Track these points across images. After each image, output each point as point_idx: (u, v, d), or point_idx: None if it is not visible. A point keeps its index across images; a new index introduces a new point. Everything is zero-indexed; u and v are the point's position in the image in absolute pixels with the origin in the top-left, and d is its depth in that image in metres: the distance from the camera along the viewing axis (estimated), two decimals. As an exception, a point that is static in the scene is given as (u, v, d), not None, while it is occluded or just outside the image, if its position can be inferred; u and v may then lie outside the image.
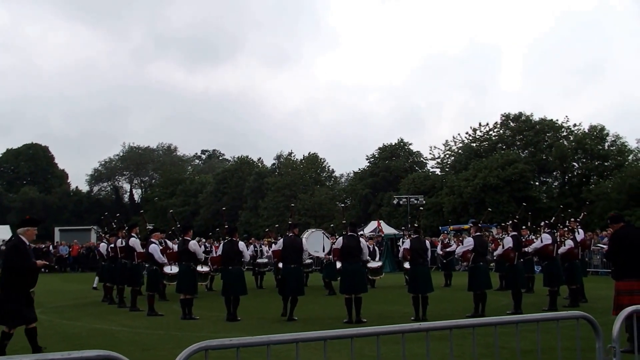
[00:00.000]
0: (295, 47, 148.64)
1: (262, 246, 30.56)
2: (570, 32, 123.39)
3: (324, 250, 24.91)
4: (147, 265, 20.45)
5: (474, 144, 66.66)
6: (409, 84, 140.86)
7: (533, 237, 23.18)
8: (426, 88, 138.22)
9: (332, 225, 36.74)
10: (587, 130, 59.15)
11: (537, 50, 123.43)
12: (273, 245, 23.92)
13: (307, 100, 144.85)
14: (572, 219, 22.29)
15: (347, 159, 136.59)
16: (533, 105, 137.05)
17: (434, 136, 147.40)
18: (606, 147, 57.66)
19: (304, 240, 18.91)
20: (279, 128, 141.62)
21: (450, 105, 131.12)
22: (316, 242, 25.20)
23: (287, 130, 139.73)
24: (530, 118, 64.16)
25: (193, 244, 18.51)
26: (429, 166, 73.50)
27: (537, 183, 62.10)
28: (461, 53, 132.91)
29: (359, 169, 77.29)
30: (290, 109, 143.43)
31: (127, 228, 22.15)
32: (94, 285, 27.31)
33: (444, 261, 30.35)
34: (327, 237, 26.02)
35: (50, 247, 52.66)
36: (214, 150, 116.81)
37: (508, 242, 18.27)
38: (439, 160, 71.27)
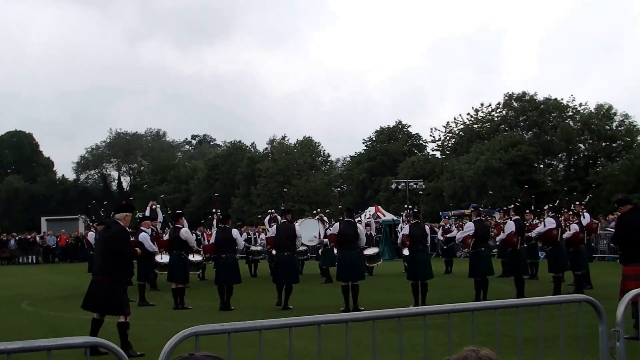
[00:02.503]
0: (293, 26, 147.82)
1: (257, 233, 30.58)
2: (581, 7, 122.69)
3: (319, 238, 24.90)
4: (135, 255, 20.47)
5: (476, 126, 66.59)
6: (411, 65, 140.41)
7: (537, 221, 23.21)
8: (430, 68, 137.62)
9: (326, 211, 36.78)
10: (593, 110, 59.06)
11: (545, 27, 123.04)
12: (267, 232, 23.98)
13: (305, 82, 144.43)
14: (578, 203, 22.33)
15: (345, 143, 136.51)
16: (541, 84, 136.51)
17: (437, 118, 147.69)
18: (614, 127, 57.66)
19: (298, 230, 18.89)
20: (274, 111, 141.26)
21: (454, 86, 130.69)
22: (309, 230, 25.18)
23: (282, 114, 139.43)
24: (534, 98, 63.95)
25: (184, 232, 18.58)
26: (428, 149, 73.58)
27: (541, 165, 62.22)
28: (467, 32, 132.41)
29: (355, 152, 77.30)
30: (287, 91, 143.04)
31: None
32: None
33: (445, 247, 30.41)
34: (320, 222, 26.00)
35: (37, 238, 52.73)
36: (204, 135, 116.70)
37: (510, 226, 18.32)
38: (439, 142, 71.21)
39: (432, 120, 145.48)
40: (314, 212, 29.04)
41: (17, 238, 52.18)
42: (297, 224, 24.79)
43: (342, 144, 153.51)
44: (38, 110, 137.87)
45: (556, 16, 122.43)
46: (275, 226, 18.43)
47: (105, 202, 25.42)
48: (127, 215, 11.80)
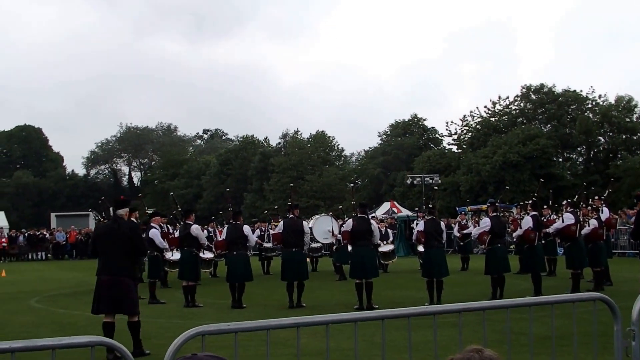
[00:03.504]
0: (307, 18, 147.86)
1: (270, 230, 30.58)
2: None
3: (332, 234, 24.89)
4: (147, 251, 20.57)
5: (493, 119, 66.27)
6: (426, 57, 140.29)
7: (555, 216, 23.14)
8: (445, 61, 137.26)
9: (340, 207, 36.80)
10: (613, 102, 58.82)
11: (563, 18, 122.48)
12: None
13: (318, 75, 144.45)
14: (597, 197, 22.25)
15: (360, 137, 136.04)
16: (560, 76, 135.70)
17: (453, 111, 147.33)
18: (634, 119, 57.43)
19: (306, 225, 18.80)
20: (287, 105, 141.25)
21: (471, 78, 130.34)
22: (324, 227, 25.17)
23: (295, 107, 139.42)
24: (553, 90, 63.47)
25: (195, 229, 18.63)
26: (445, 143, 73.29)
27: (560, 159, 61.83)
28: (482, 23, 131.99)
29: (369, 147, 77.18)
30: (300, 85, 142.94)
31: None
32: None
33: (461, 244, 30.36)
34: (335, 219, 25.98)
35: (46, 234, 52.87)
36: (216, 129, 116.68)
37: (527, 222, 18.28)
38: (455, 136, 70.94)
39: (448, 113, 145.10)
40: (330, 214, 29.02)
41: (26, 234, 52.36)
42: (311, 221, 24.85)
43: (357, 138, 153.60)
44: (47, 104, 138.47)
45: (575, 6, 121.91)
46: (282, 222, 18.39)
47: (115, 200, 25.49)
48: (127, 211, 11.77)
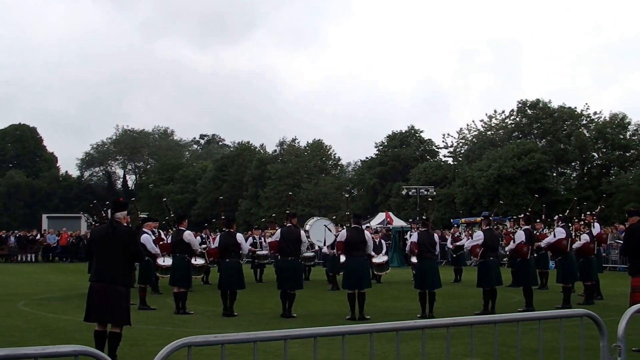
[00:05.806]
0: (313, 26, 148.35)
1: (263, 237, 30.53)
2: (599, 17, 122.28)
3: (324, 244, 24.88)
4: (144, 258, 20.50)
5: (489, 132, 66.56)
6: (427, 71, 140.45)
7: (547, 231, 23.18)
8: (445, 75, 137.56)
9: (334, 217, 36.82)
10: (608, 119, 59.21)
11: (562, 36, 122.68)
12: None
13: (320, 84, 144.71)
14: (589, 212, 22.32)
15: (358, 147, 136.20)
16: (556, 93, 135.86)
17: (451, 124, 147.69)
18: (628, 137, 57.85)
19: (304, 235, 18.70)
20: (287, 113, 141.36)
21: (469, 92, 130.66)
22: (318, 233, 25.20)
23: (295, 115, 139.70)
24: (549, 105, 64.09)
25: (188, 235, 18.56)
26: (441, 155, 73.61)
27: (554, 174, 62.14)
28: (483, 39, 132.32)
29: (366, 157, 77.29)
30: (301, 93, 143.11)
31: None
32: None
33: (454, 255, 30.36)
34: (329, 229, 25.93)
35: (38, 235, 52.63)
36: (213, 135, 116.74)
37: (520, 236, 18.28)
38: (451, 149, 71.28)
39: (445, 126, 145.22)
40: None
41: (17, 235, 52.05)
42: (309, 223, 24.81)
43: (355, 147, 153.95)
44: (42, 105, 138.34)
45: (576, 25, 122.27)
46: (279, 230, 18.28)
47: (108, 202, 25.45)
48: (125, 215, 11.06)
